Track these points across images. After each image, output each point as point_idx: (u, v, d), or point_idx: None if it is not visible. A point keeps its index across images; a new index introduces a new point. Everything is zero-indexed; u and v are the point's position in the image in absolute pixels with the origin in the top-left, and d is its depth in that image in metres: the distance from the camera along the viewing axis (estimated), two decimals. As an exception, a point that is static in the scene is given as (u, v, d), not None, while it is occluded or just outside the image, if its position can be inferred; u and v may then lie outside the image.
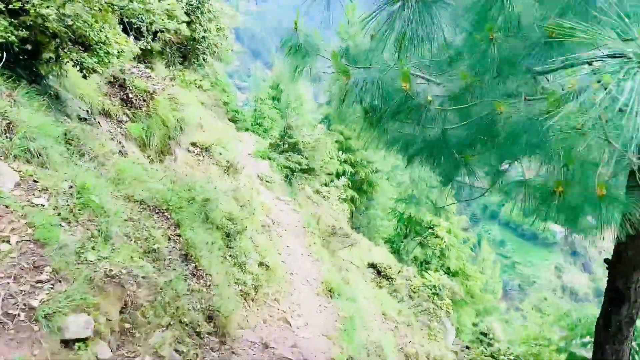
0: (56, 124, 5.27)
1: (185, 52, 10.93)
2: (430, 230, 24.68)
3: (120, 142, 7.14)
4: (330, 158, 19.56)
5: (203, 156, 11.05)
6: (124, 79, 7.52)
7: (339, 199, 23.86)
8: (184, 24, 9.60)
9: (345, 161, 26.50)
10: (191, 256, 5.65)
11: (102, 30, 5.64)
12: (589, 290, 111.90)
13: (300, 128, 16.82)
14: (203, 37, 10.19)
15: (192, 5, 9.76)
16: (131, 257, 4.31)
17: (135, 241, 4.74)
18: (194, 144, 11.08)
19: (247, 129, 27.62)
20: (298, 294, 8.51)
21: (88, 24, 5.42)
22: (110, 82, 7.52)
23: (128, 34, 8.62)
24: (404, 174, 36.18)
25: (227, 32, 13.29)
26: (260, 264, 7.72)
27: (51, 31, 5.21)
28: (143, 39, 8.70)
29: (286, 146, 16.57)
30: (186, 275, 5.37)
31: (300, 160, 15.94)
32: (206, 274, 5.72)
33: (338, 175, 25.33)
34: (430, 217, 23.96)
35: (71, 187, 4.36)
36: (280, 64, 40.80)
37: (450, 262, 25.48)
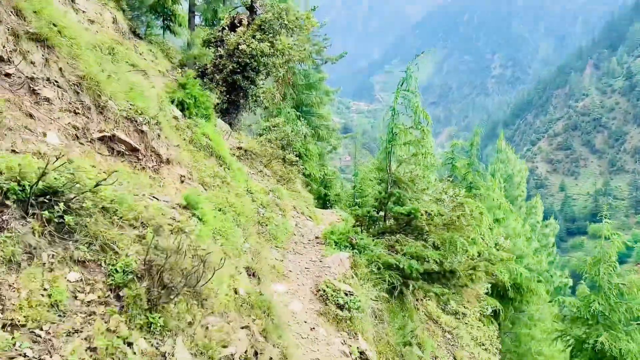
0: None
1: None
2: None
3: None
4: (488, 246, 9.26)
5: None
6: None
7: (481, 317, 13.52)
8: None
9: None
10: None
11: None
12: None
13: (418, 185, 7.60)
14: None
15: None
16: None
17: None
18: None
19: (336, 207, 19.10)
20: None
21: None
22: None
23: None
24: (564, 274, 23.78)
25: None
26: None
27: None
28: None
29: (391, 221, 7.43)
30: None
31: (423, 252, 6.59)
32: None
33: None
34: None
35: None
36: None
37: None
